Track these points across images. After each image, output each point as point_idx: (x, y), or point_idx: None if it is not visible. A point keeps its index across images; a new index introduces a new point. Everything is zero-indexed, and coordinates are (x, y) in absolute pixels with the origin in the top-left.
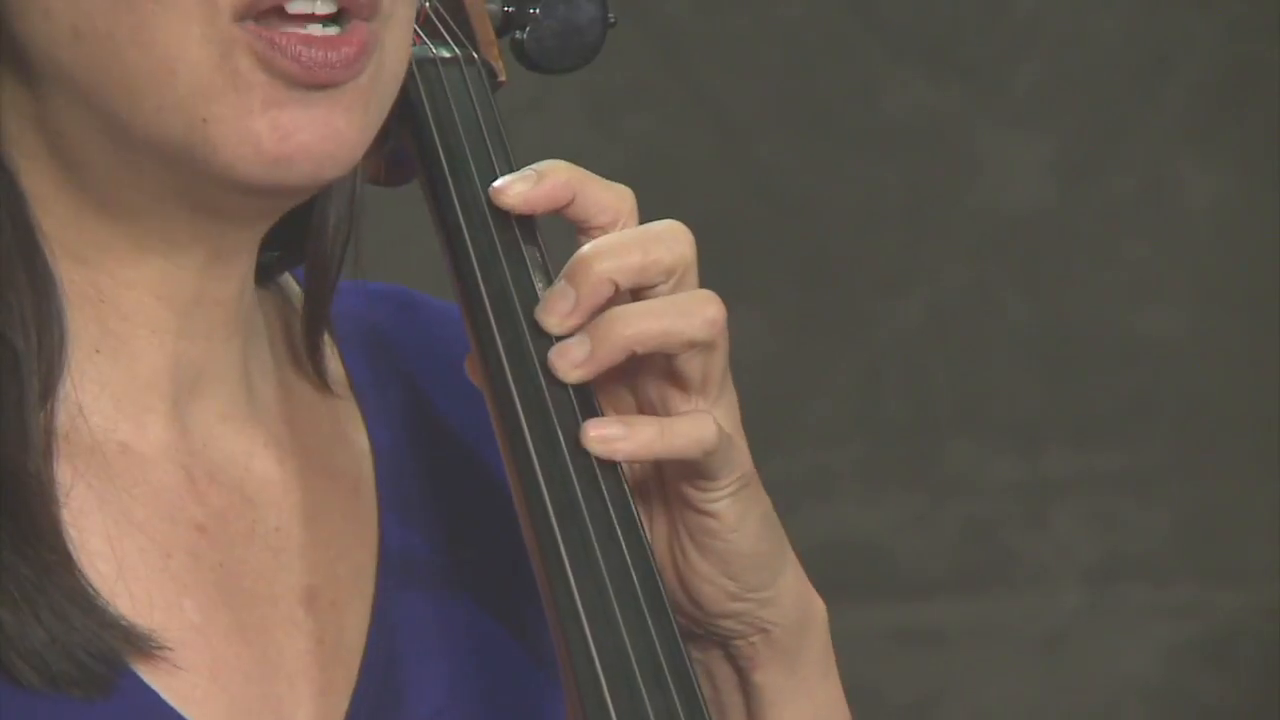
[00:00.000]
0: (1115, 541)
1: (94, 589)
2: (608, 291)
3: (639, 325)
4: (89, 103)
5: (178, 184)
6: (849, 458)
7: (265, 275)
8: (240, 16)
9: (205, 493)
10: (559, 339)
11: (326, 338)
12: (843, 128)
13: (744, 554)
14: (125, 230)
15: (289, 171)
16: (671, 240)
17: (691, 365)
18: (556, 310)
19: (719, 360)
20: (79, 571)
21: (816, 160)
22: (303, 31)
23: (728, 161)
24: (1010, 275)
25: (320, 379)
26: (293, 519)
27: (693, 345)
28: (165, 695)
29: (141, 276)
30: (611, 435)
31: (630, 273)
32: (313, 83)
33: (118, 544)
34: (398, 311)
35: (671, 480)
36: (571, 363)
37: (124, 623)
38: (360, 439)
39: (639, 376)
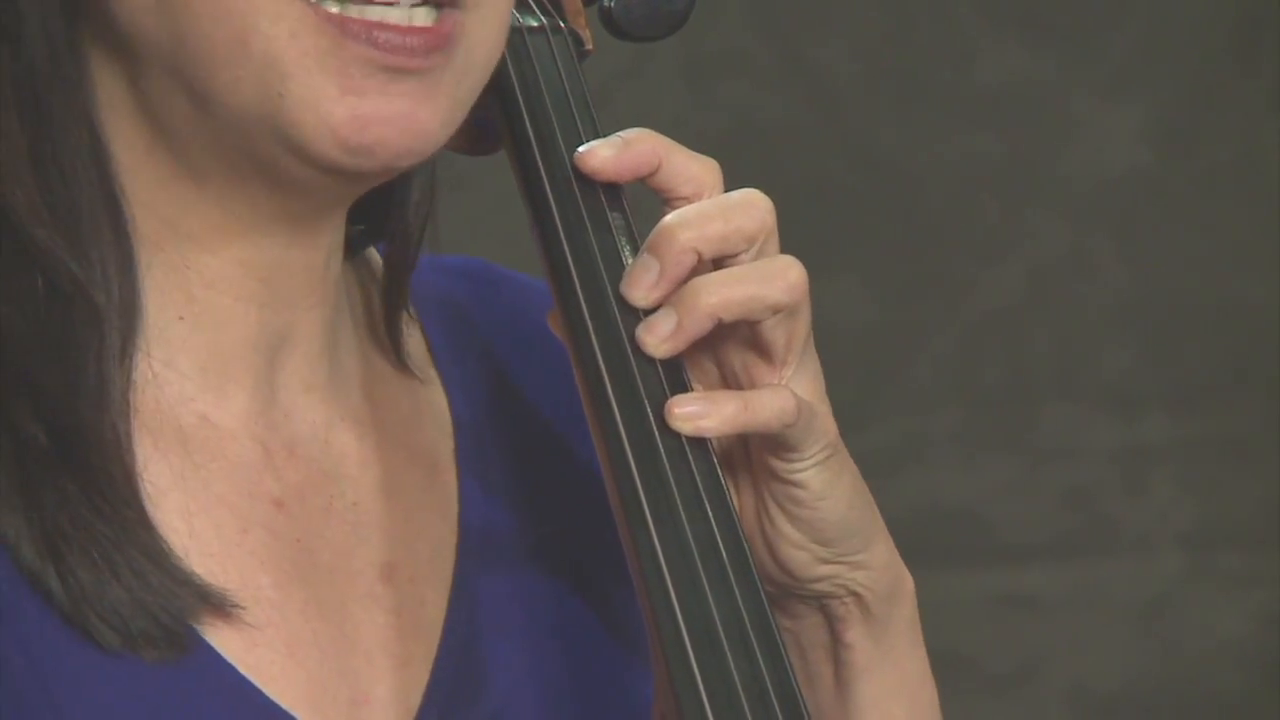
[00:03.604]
0: (1213, 507)
1: (166, 546)
2: (691, 261)
3: (723, 293)
4: (173, 69)
5: (256, 155)
6: (947, 424)
7: (351, 248)
8: None
9: (283, 468)
10: (645, 312)
11: (408, 312)
12: (939, 94)
13: (833, 522)
14: (213, 196)
15: (366, 160)
16: (752, 208)
17: (775, 332)
18: (641, 283)
19: (802, 326)
20: (155, 529)
21: (913, 127)
22: (375, 19)
23: (824, 128)
24: (1107, 241)
25: (397, 354)
26: (371, 494)
27: (777, 310)
28: (242, 670)
29: (227, 244)
30: (695, 413)
31: (713, 241)
32: (389, 66)
33: (194, 519)
34: (477, 286)
35: (756, 451)
36: (659, 337)
37: (198, 580)
38: (441, 414)
39: (722, 346)
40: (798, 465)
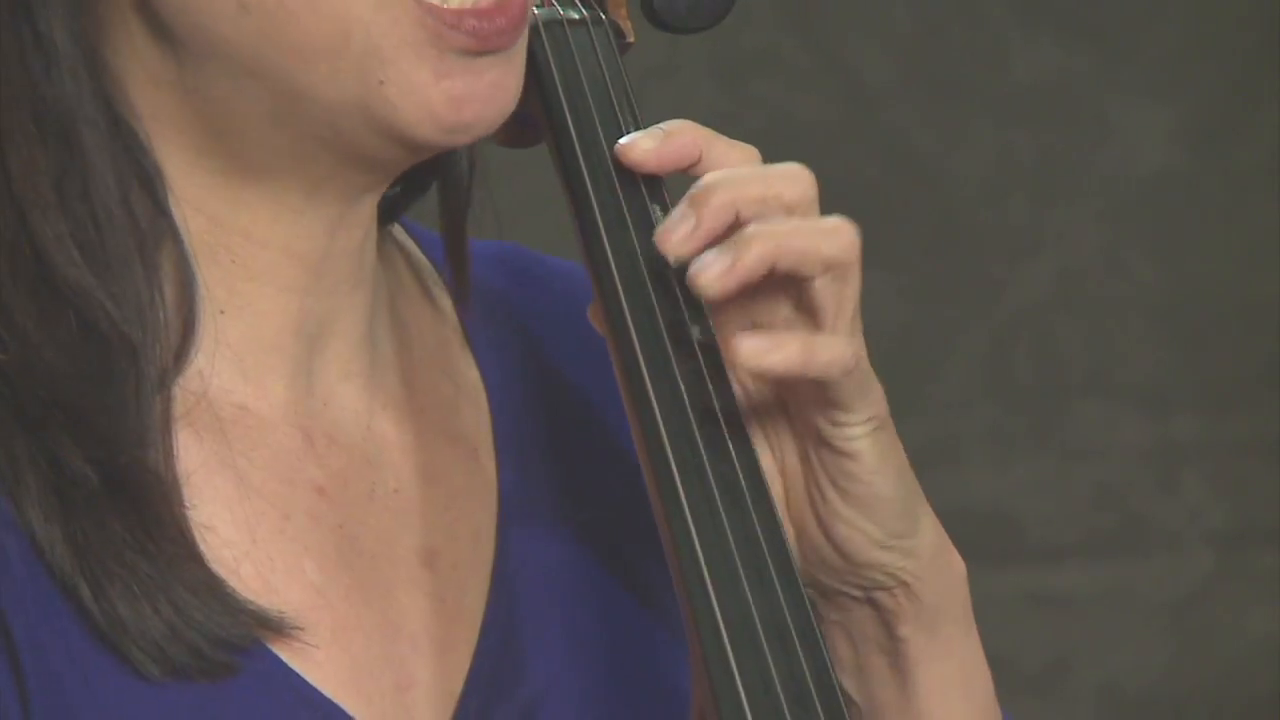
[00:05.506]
0: (1244, 506)
1: (219, 577)
2: (728, 218)
3: (779, 239)
4: (252, 72)
5: (338, 141)
6: (979, 423)
7: (385, 216)
8: None
9: (324, 454)
10: (685, 298)
11: (445, 297)
12: (972, 93)
13: (885, 498)
14: (268, 188)
15: (461, 136)
16: (793, 179)
17: (825, 293)
18: (677, 231)
19: (851, 290)
20: (203, 561)
21: (946, 125)
22: (470, 5)
23: (857, 126)
24: (1140, 240)
25: (461, 295)
26: (412, 481)
27: (829, 267)
28: (286, 658)
29: (276, 235)
30: (761, 348)
31: (751, 203)
32: (484, 50)
33: (237, 508)
34: (513, 271)
35: (808, 417)
36: (712, 275)
37: (252, 607)
38: (479, 399)
39: (769, 309)
40: (850, 429)
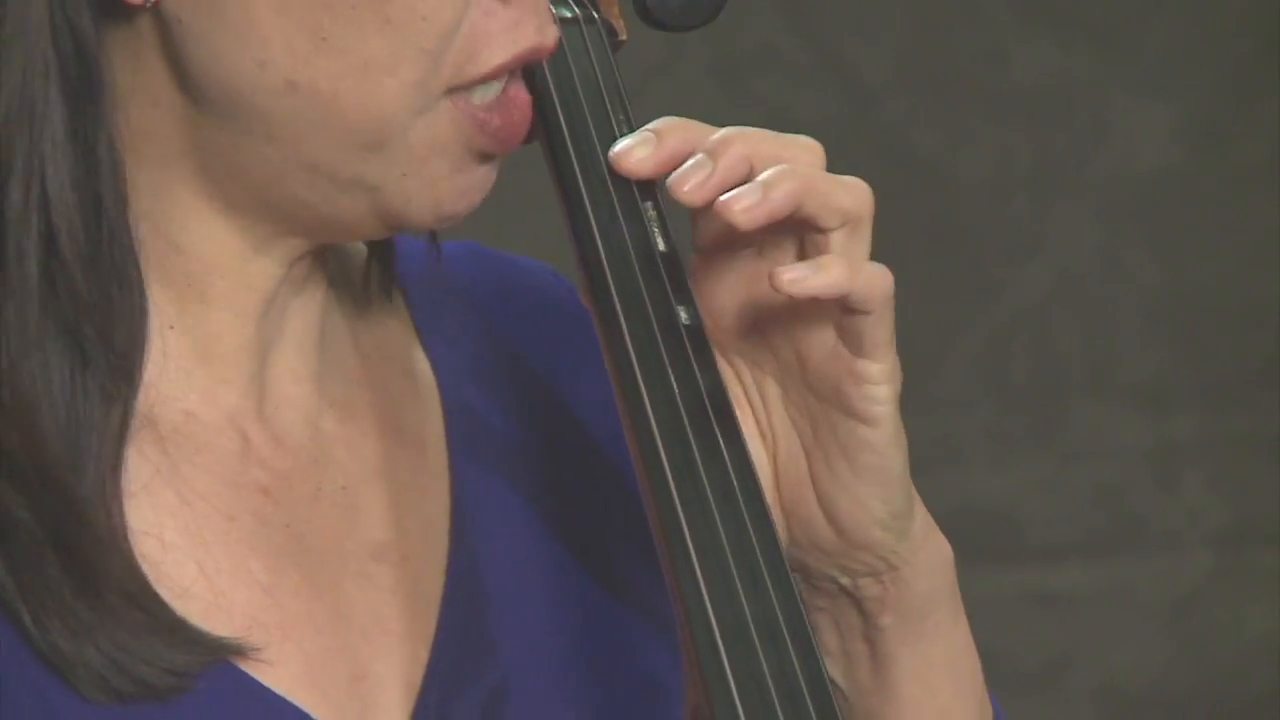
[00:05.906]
0: (1243, 506)
1: (168, 616)
2: (743, 171)
3: (805, 179)
4: (272, 139)
5: (334, 207)
6: (978, 422)
7: None
8: (451, 91)
9: (270, 457)
10: (678, 297)
11: (397, 294)
12: (972, 91)
13: (897, 474)
14: (237, 227)
15: (449, 222)
16: (806, 147)
17: (838, 248)
18: (693, 178)
19: (863, 249)
20: (150, 606)
21: (945, 124)
22: (498, 95)
23: (856, 125)
24: (1139, 239)
25: (385, 296)
26: (360, 478)
27: (846, 219)
28: (237, 661)
29: (234, 267)
30: (803, 273)
31: (766, 159)
32: (500, 153)
33: (179, 513)
34: (478, 268)
35: (831, 377)
36: (745, 205)
37: (204, 640)
38: (430, 393)
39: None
40: (875, 389)
